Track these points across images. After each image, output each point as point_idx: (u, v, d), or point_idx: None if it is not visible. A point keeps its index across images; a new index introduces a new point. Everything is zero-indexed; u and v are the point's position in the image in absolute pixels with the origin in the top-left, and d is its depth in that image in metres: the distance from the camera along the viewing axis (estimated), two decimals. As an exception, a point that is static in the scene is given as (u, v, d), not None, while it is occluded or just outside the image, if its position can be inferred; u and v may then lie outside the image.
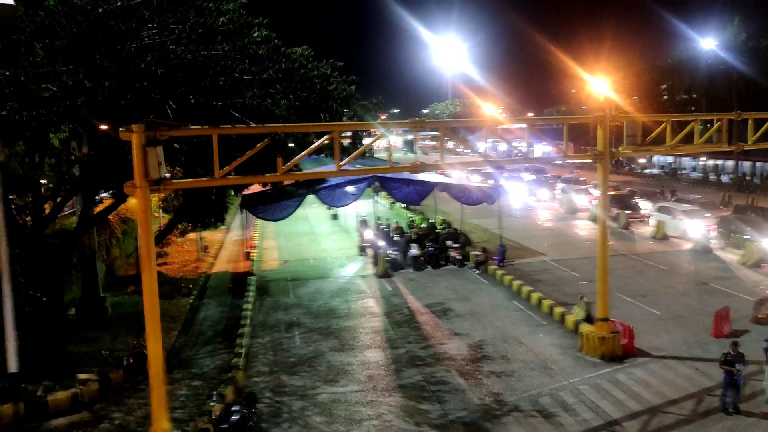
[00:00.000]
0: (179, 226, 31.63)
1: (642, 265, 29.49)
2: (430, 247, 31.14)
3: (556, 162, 79.85)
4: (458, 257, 30.64)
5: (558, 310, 22.23)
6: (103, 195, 25.33)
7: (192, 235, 34.95)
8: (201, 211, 26.67)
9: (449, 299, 25.08)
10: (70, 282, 22.58)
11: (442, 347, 19.85)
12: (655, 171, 74.86)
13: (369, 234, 34.00)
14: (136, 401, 16.52)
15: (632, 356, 18.61)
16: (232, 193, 33.91)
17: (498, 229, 33.07)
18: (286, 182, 28.09)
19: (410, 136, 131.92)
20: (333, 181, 30.41)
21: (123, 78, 14.59)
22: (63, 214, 28.35)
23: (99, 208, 23.68)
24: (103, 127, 16.40)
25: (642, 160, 76.95)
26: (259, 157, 15.39)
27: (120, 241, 28.91)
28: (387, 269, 29.07)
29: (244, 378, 17.62)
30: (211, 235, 39.38)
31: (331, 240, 38.39)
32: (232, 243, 39.04)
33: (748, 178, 60.43)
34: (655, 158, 75.88)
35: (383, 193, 52.14)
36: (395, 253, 30.72)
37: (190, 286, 27.10)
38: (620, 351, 18.63)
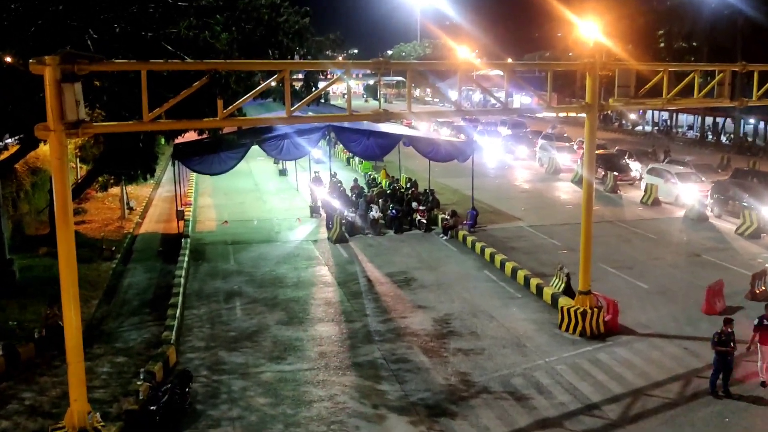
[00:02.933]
0: (100, 179, 31.04)
1: (629, 233, 30.20)
2: (393, 209, 31.33)
3: (538, 114, 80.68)
4: (424, 221, 30.92)
5: (534, 281, 22.70)
6: (8, 141, 24.68)
7: (115, 190, 34.38)
8: (126, 161, 26.26)
9: (413, 268, 25.35)
10: (-30, 241, 22.06)
11: (403, 321, 20.14)
12: (648, 128, 76.24)
13: (322, 193, 33.98)
14: (50, 379, 16.41)
15: (615, 334, 19.17)
16: (163, 141, 33.50)
17: (470, 190, 33.45)
18: (226, 129, 27.78)
19: (372, 81, 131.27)
20: (282, 130, 30.14)
21: (33, 0, 14.12)
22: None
23: (3, 156, 23.07)
24: (9, 59, 15.91)
25: (634, 116, 78.20)
26: (196, 99, 15.16)
27: (29, 195, 28.30)
28: (343, 233, 29.19)
29: (176, 354, 17.64)
30: (137, 191, 38.82)
31: (278, 199, 38.23)
32: (162, 200, 38.57)
33: (750, 139, 61.94)
34: (649, 114, 77.18)
35: (340, 146, 52.15)
36: (352, 214, 30.82)
37: (113, 248, 26.79)
38: (602, 328, 19.17)
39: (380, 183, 38.32)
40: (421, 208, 31.64)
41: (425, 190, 34.40)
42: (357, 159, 47.09)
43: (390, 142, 32.18)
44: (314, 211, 33.77)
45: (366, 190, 35.48)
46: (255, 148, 30.15)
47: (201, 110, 17.48)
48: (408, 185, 36.09)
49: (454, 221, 29.99)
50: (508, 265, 24.54)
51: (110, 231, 30.13)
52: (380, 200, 32.68)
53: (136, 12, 15.09)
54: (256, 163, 48.19)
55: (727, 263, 25.64)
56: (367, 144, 31.28)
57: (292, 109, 15.24)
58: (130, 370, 16.84)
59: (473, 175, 32.89)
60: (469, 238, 28.47)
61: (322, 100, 29.99)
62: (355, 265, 25.92)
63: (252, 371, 17.08)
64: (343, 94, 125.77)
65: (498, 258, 25.50)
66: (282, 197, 38.64)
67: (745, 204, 31.29)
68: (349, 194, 34.20)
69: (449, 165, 35.49)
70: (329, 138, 34.87)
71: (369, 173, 43.17)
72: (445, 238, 29.62)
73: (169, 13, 15.59)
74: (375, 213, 30.76)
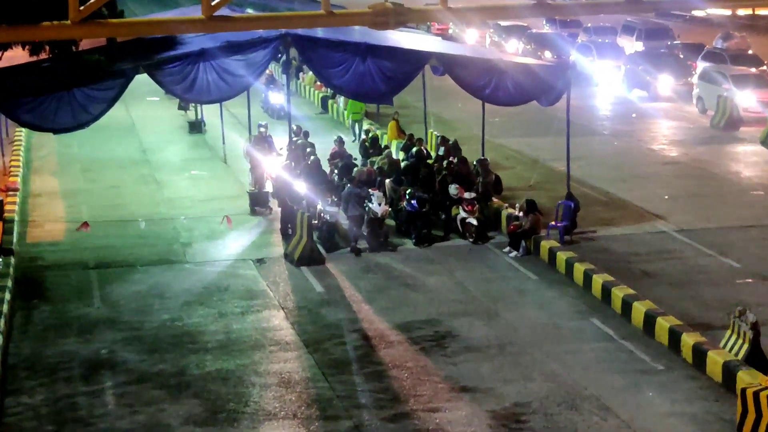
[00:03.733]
0: None
1: None
2: (412, 197, 31.17)
3: (696, 12, 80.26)
4: (473, 221, 30.82)
5: (689, 339, 22.69)
6: None
7: None
8: None
9: (451, 314, 25.42)
10: None
11: (433, 418, 20.17)
12: None
13: (274, 167, 33.90)
14: None
15: None
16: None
17: (561, 160, 33.42)
18: (85, 44, 27.82)
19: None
20: (194, 44, 29.94)
21: None
22: None
23: None
24: None
25: None
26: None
27: None
28: (314, 246, 29.13)
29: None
30: None
31: (186, 178, 38.52)
32: (-39, 182, 38.64)
33: None
34: None
35: (309, 76, 51.80)
36: (333, 209, 30.72)
37: None
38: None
39: (387, 147, 38.18)
40: (467, 195, 31.50)
41: (476, 161, 34.30)
42: (342, 100, 46.97)
43: (405, 67, 31.88)
44: (258, 202, 33.78)
45: (359, 162, 35.38)
46: (142, 79, 29.97)
47: (37, 7, 17.46)
48: (441, 151, 36.05)
49: (531, 221, 29.83)
50: (638, 308, 24.50)
51: None
52: (387, 181, 32.63)
53: None
54: (143, 108, 48.15)
55: None
56: (362, 71, 31.00)
57: (214, 3, 15.22)
58: None
59: (569, 133, 32.69)
60: (562, 255, 28.39)
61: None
62: (339, 308, 25.94)
63: None
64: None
65: (618, 294, 25.43)
66: (194, 175, 38.89)
67: None
68: (327, 170, 34.11)
69: (522, 111, 35.31)
70: (288, 60, 34.76)
71: (363, 127, 43.02)
72: (514, 254, 29.59)
73: None
74: (377, 206, 30.66)
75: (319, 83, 48.11)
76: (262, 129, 37.13)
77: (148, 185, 37.60)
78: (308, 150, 34.59)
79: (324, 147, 36.91)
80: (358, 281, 27.74)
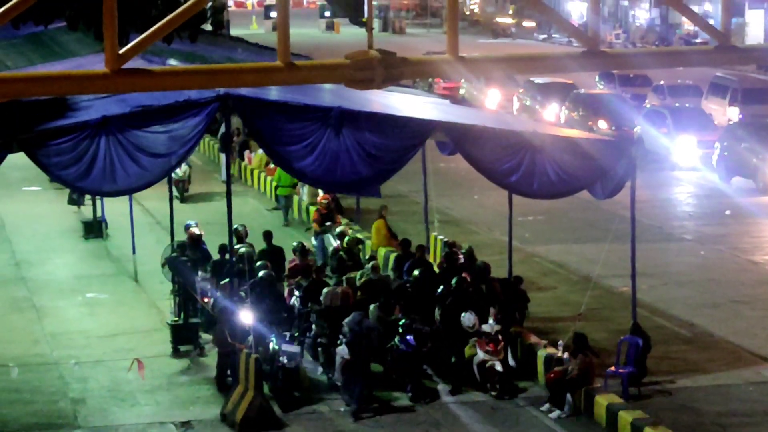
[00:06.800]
0: None
1: None
2: (407, 332, 31.02)
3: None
4: (497, 365, 30.75)
5: None
6: None
7: None
8: None
9: None
10: None
11: None
12: None
13: (207, 288, 33.87)
14: None
15: None
16: None
17: (621, 277, 33.75)
18: None
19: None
20: (93, 109, 30.13)
21: None
22: None
23: None
24: None
25: None
26: None
27: None
28: (265, 403, 28.99)
29: None
30: None
31: (79, 304, 38.66)
32: None
33: None
34: None
35: (257, 154, 52.08)
36: (293, 348, 30.65)
37: None
38: None
39: (372, 258, 38.11)
40: (487, 328, 31.56)
41: (507, 280, 34.38)
42: (306, 191, 47.15)
43: (398, 142, 31.93)
44: (183, 338, 33.85)
45: (332, 278, 35.41)
46: (17, 160, 30.07)
47: None
48: (445, 264, 36.21)
49: (581, 366, 29.74)
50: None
51: None
52: (372, 307, 32.48)
53: None
54: (17, 202, 48.33)
55: None
56: (335, 149, 31.04)
57: (122, 51, 15.33)
58: None
59: (634, 238, 32.73)
60: (627, 416, 28.13)
61: (209, 27, 29.57)
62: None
63: None
64: (267, 10, 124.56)
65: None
66: (92, 302, 39.00)
67: None
68: (291, 291, 34.06)
69: (567, 207, 35.47)
70: (228, 131, 34.90)
71: (343, 230, 43.13)
72: (556, 413, 29.48)
73: None
74: (345, 352, 30.48)
75: (272, 165, 48.22)
76: (194, 230, 37.02)
77: (23, 314, 37.52)
78: (254, 263, 34.38)
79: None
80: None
